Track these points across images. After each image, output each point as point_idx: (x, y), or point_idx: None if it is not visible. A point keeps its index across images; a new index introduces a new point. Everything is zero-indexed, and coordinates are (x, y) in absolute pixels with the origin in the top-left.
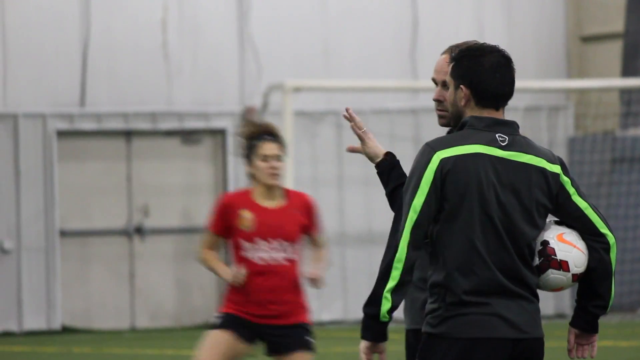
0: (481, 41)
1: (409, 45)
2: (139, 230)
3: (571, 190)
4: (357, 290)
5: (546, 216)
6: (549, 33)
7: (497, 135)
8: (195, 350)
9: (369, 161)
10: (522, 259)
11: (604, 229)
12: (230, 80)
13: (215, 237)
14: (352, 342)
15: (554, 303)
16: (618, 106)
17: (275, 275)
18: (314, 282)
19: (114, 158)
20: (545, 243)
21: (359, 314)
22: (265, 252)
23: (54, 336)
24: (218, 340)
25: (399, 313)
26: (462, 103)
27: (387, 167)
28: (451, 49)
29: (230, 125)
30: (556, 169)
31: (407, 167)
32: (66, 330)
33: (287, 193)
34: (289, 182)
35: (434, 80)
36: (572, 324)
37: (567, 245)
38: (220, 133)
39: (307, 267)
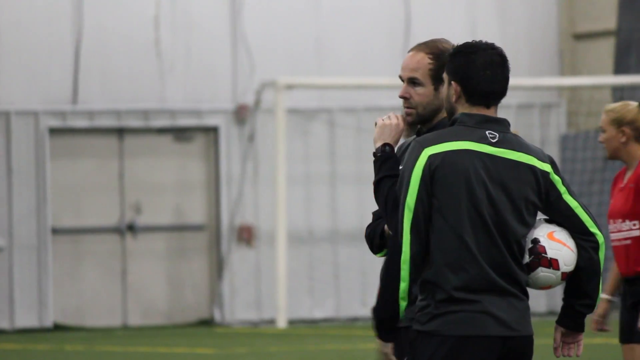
0: (474, 39)
1: (402, 42)
2: (131, 228)
3: (562, 189)
4: (350, 288)
5: (536, 214)
6: (541, 30)
7: (487, 132)
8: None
9: (361, 159)
10: (512, 256)
11: (593, 228)
12: (223, 78)
13: None
14: (345, 340)
15: (546, 300)
16: (610, 103)
17: None
18: None
19: (106, 155)
20: (535, 241)
21: (351, 312)
22: None
23: (45, 334)
24: None
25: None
26: (454, 99)
27: (382, 157)
28: (419, 47)
29: (222, 122)
30: (546, 167)
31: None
32: (58, 327)
33: None
34: (281, 179)
35: (400, 77)
36: (559, 322)
37: (557, 244)
38: (212, 130)
39: None
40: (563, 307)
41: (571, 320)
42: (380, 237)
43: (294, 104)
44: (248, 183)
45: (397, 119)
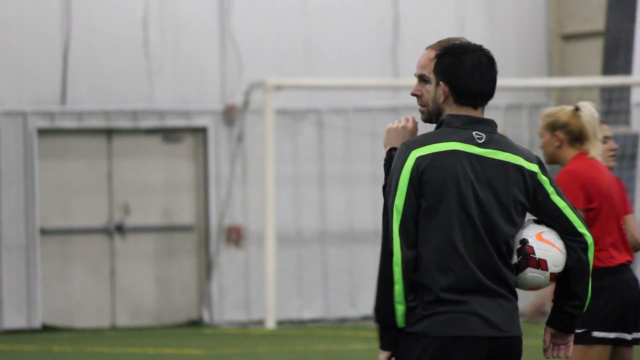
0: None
1: (391, 43)
2: (120, 229)
3: (550, 189)
4: (338, 288)
5: (524, 214)
6: (530, 31)
7: (474, 133)
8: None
9: (350, 159)
10: (501, 257)
11: (582, 229)
12: (212, 79)
13: None
14: (334, 341)
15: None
16: (598, 104)
17: None
18: None
19: (94, 156)
20: (524, 241)
21: (340, 312)
22: None
23: (34, 335)
24: None
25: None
26: (441, 100)
27: (388, 162)
28: (432, 45)
29: (211, 123)
30: (534, 167)
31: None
32: (47, 328)
33: None
34: (269, 180)
35: (416, 75)
36: (549, 323)
37: (546, 244)
38: (201, 131)
39: None
40: (553, 308)
41: (560, 321)
42: None
43: (283, 105)
44: (237, 184)
45: (407, 121)
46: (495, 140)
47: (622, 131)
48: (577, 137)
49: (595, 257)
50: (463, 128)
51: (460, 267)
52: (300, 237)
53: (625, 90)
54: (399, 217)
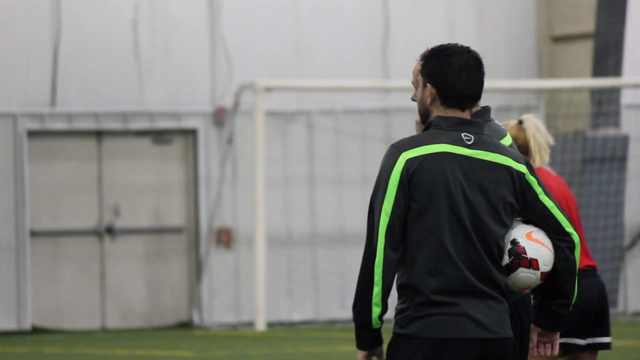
0: (452, 41)
1: (381, 45)
2: (110, 230)
3: (537, 189)
4: (328, 290)
5: (513, 215)
6: (520, 33)
7: (462, 134)
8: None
9: (340, 161)
10: (491, 258)
11: (569, 228)
12: (202, 80)
13: None
14: (324, 342)
15: None
16: (589, 106)
17: None
18: None
19: (84, 158)
20: (514, 242)
21: (330, 314)
22: None
23: (24, 336)
24: None
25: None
26: (429, 102)
27: None
28: None
29: (201, 125)
30: (522, 168)
31: (378, 167)
32: (36, 330)
33: None
34: (259, 181)
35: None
36: (535, 322)
37: (536, 244)
38: (191, 133)
39: None
40: (539, 308)
41: (547, 320)
42: None
43: (273, 107)
44: (227, 185)
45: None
46: (484, 142)
47: (612, 133)
48: (525, 150)
49: None
50: (451, 130)
51: (451, 269)
52: (291, 239)
53: (615, 92)
54: (387, 219)
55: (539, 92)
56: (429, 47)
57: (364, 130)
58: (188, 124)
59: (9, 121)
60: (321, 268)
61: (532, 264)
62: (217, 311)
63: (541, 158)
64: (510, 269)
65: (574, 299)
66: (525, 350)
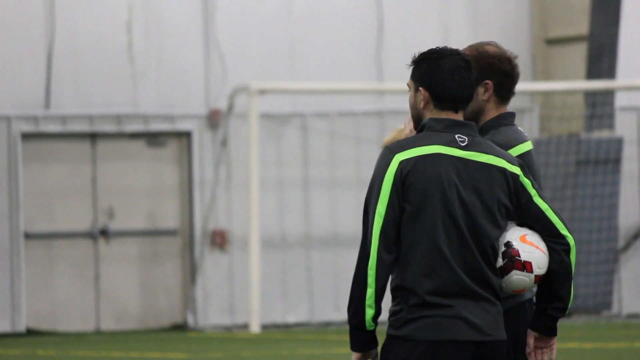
0: (446, 44)
1: (375, 47)
2: (104, 233)
3: (532, 191)
4: (323, 292)
5: (508, 217)
6: (514, 35)
7: (456, 136)
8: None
9: (334, 163)
10: (486, 260)
11: (564, 231)
12: (196, 83)
13: None
14: (318, 344)
15: None
16: (583, 108)
17: None
18: None
19: (78, 160)
20: (508, 244)
21: (325, 316)
22: None
23: (18, 339)
24: None
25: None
26: (422, 105)
27: None
28: (463, 50)
29: (195, 127)
30: (516, 170)
31: (372, 169)
32: (31, 332)
33: None
34: (254, 184)
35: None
36: (532, 327)
37: (530, 247)
38: (185, 135)
39: None
40: (535, 312)
41: (544, 324)
42: None
43: (267, 109)
44: (221, 188)
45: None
46: (478, 143)
47: (606, 135)
48: None
49: None
50: (445, 131)
51: (446, 270)
52: (285, 241)
53: (609, 94)
54: (381, 221)
55: (533, 94)
56: (418, 52)
57: (358, 132)
58: (182, 126)
59: (3, 123)
60: (315, 270)
61: (526, 266)
62: (211, 313)
63: None
64: (504, 271)
65: (571, 302)
66: (521, 355)
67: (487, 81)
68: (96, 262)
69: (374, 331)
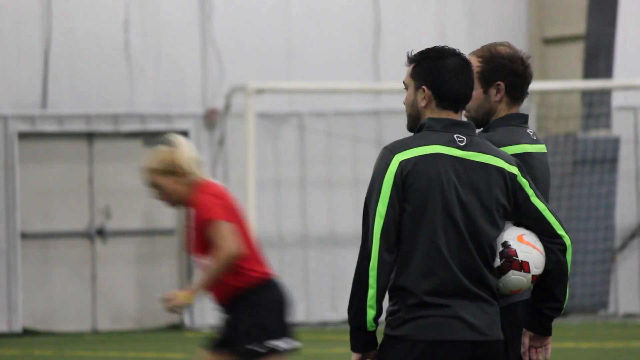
0: (443, 44)
1: (372, 47)
2: (101, 233)
3: (529, 191)
4: (320, 292)
5: (506, 217)
6: (510, 35)
7: (455, 135)
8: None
9: (331, 163)
10: (484, 260)
11: (560, 231)
12: (193, 82)
13: None
14: (315, 344)
15: None
16: (579, 108)
17: None
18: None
19: (75, 160)
20: (506, 244)
21: (322, 316)
22: None
23: (15, 339)
24: None
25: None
26: (423, 104)
27: None
28: (475, 50)
29: (192, 127)
30: (514, 170)
31: (370, 169)
32: (27, 332)
33: None
34: (251, 183)
35: None
36: (527, 326)
37: (527, 246)
38: (182, 135)
39: None
40: (531, 311)
41: (539, 324)
42: None
43: (264, 109)
44: None
45: None
46: (476, 143)
47: (602, 135)
48: (177, 170)
49: (246, 273)
50: (444, 131)
51: (444, 270)
52: (282, 241)
53: (606, 93)
54: (381, 221)
55: (529, 93)
56: (416, 51)
57: (355, 132)
58: (179, 125)
59: (0, 123)
60: (312, 270)
61: (523, 266)
62: (208, 313)
63: (201, 172)
64: (502, 271)
65: (566, 302)
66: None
67: (499, 82)
68: (93, 262)
69: (374, 332)
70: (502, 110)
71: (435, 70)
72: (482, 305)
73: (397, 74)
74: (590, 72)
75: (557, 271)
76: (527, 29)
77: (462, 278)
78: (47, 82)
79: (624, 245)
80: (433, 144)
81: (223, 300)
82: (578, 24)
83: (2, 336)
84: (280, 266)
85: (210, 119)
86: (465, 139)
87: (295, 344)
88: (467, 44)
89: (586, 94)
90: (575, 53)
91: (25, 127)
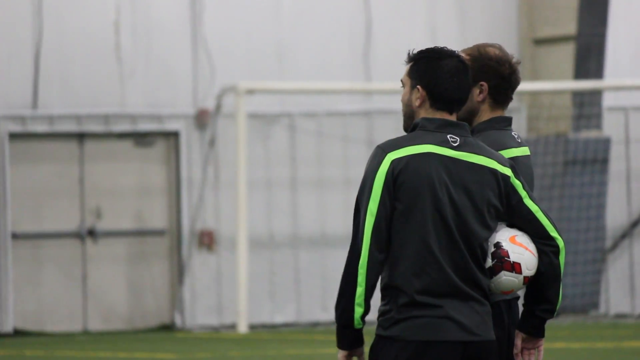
0: (434, 44)
1: (363, 47)
2: (92, 233)
3: (522, 193)
4: (310, 293)
5: (498, 218)
6: (501, 35)
7: (448, 136)
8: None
9: (322, 163)
10: (475, 260)
11: (553, 233)
12: (184, 83)
13: None
14: (306, 345)
15: None
16: (570, 108)
17: None
18: None
19: (66, 160)
20: (498, 245)
21: (312, 316)
22: None
23: (5, 339)
24: None
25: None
26: (417, 104)
27: None
28: (463, 50)
29: (183, 127)
30: (507, 171)
31: (361, 169)
32: (18, 333)
33: None
34: (241, 184)
35: None
36: (519, 328)
37: (519, 248)
38: (173, 135)
39: None
40: (523, 313)
41: (532, 325)
42: None
43: (255, 109)
44: (209, 188)
45: None
46: (470, 144)
47: (593, 135)
48: None
49: None
50: (437, 131)
51: (435, 270)
52: (273, 241)
53: (597, 94)
54: (372, 219)
55: (520, 94)
56: (414, 50)
57: (346, 132)
58: (170, 126)
59: None
60: (303, 270)
61: (515, 267)
62: (199, 313)
63: None
64: (493, 271)
65: (559, 304)
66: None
67: (483, 83)
68: (84, 262)
69: (361, 329)
70: (485, 112)
71: (431, 70)
72: (474, 305)
73: (388, 74)
74: (581, 72)
75: (549, 273)
76: (518, 30)
77: (454, 277)
78: (37, 83)
79: (615, 246)
80: (426, 144)
81: None
82: (569, 25)
83: None
84: (271, 266)
85: (201, 119)
86: (458, 139)
87: None
88: (457, 45)
89: (577, 95)
90: (566, 53)
91: (15, 128)
